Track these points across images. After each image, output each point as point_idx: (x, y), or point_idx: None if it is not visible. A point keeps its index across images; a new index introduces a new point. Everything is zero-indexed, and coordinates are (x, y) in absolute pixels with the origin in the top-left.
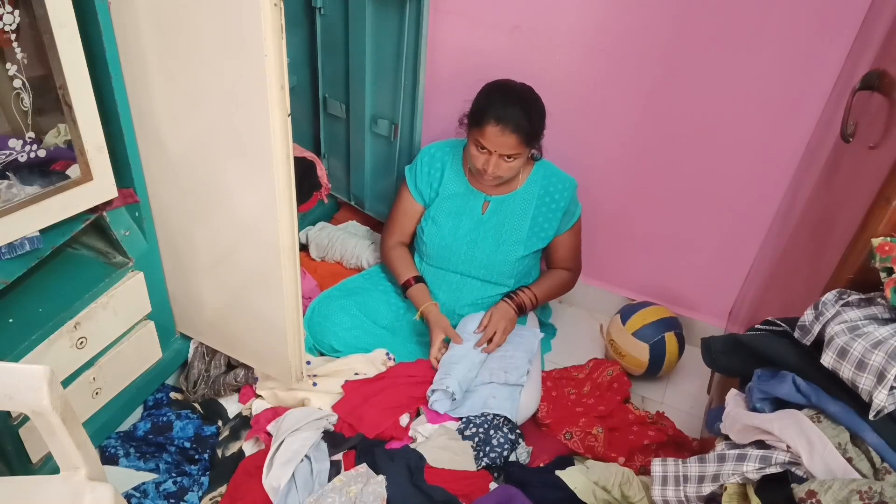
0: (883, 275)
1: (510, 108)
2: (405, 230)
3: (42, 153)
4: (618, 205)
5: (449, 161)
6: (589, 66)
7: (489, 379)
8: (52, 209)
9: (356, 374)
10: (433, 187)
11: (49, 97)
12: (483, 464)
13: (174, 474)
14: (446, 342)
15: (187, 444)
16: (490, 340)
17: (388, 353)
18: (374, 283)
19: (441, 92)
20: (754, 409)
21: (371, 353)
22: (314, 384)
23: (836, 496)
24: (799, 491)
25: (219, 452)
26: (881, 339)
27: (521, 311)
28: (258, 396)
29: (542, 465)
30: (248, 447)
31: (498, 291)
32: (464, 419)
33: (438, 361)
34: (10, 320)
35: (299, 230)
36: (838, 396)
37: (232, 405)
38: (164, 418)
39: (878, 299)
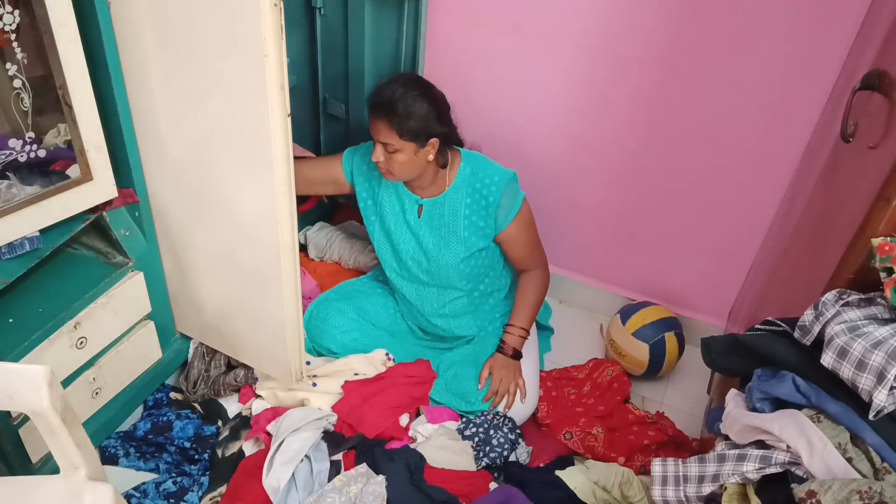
0: (883, 275)
1: (387, 95)
2: (311, 171)
3: (42, 153)
4: (618, 205)
5: None
6: (589, 66)
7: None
8: (52, 209)
9: (356, 374)
10: (370, 180)
11: (49, 97)
12: (483, 464)
13: (174, 474)
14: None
15: (187, 444)
16: (496, 393)
17: (387, 354)
18: (372, 287)
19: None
20: (754, 409)
21: (371, 354)
22: (314, 384)
23: (836, 496)
24: (799, 491)
25: (219, 452)
26: (881, 339)
27: (519, 354)
28: (258, 396)
29: (542, 465)
30: (248, 447)
31: (457, 296)
32: (464, 419)
33: None
34: (10, 320)
35: (299, 230)
36: (838, 396)
37: (232, 405)
38: (164, 418)
39: (878, 299)
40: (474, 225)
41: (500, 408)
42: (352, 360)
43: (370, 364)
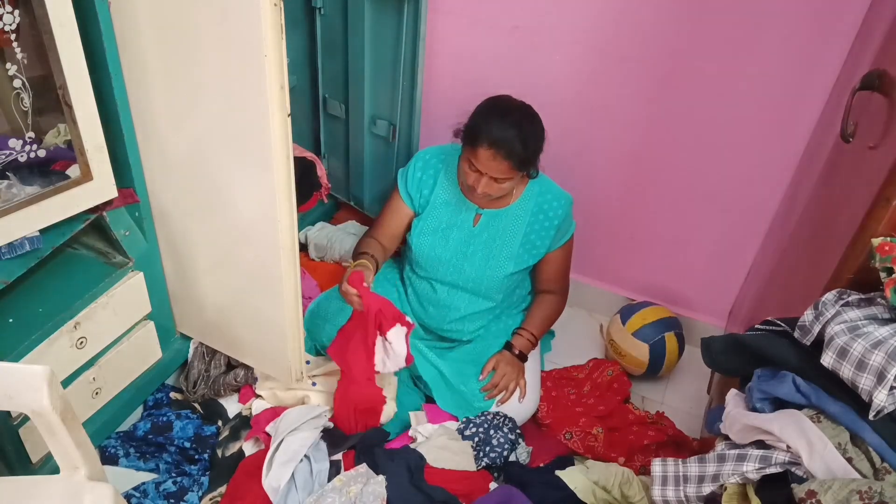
0: (883, 275)
1: (506, 132)
2: (388, 231)
3: (42, 153)
4: (618, 205)
5: (442, 169)
6: (589, 67)
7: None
8: (52, 209)
9: None
10: (424, 194)
11: (49, 97)
12: (483, 464)
13: (174, 474)
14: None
15: (187, 444)
16: (493, 387)
17: None
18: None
19: (440, 93)
20: (754, 409)
21: None
22: (313, 384)
23: (836, 496)
24: (799, 491)
25: (219, 452)
26: (881, 339)
27: (524, 357)
28: (258, 396)
29: (542, 465)
30: (248, 447)
31: (486, 306)
32: (464, 419)
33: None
34: (10, 320)
35: (299, 230)
36: (838, 396)
37: (232, 405)
38: (164, 418)
39: (878, 299)
40: (531, 242)
41: (497, 402)
42: None
43: None
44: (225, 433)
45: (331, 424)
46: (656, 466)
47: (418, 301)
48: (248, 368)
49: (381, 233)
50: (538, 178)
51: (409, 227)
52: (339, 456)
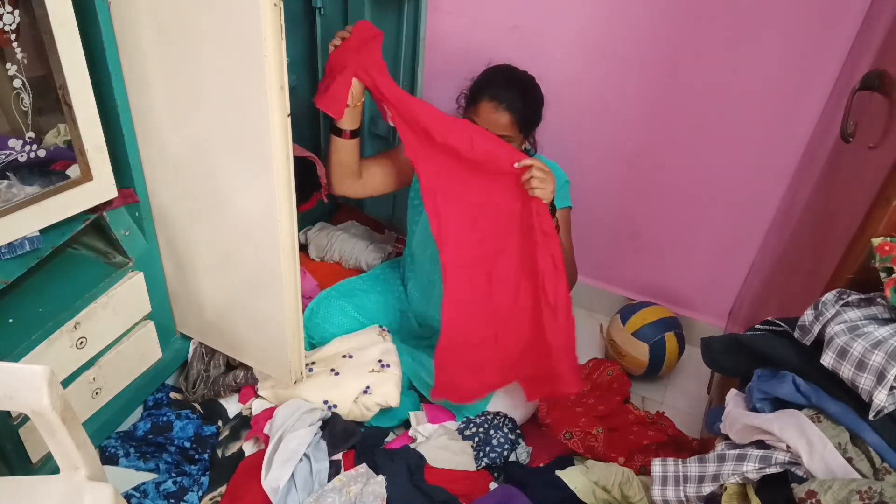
0: (883, 275)
1: (507, 88)
2: (379, 159)
3: (42, 153)
4: (618, 205)
5: None
6: (589, 67)
7: None
8: (52, 209)
9: (343, 356)
10: None
11: (49, 97)
12: (483, 464)
13: (174, 474)
14: None
15: (187, 444)
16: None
17: (381, 327)
18: (372, 285)
19: (440, 93)
20: (754, 409)
21: (363, 331)
22: (310, 370)
23: (836, 496)
24: (799, 491)
25: (219, 452)
26: (881, 339)
27: (553, 208)
28: (258, 396)
29: (542, 465)
30: (248, 447)
31: None
32: (464, 419)
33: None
34: (10, 320)
35: (299, 230)
36: (838, 396)
37: (232, 405)
38: (164, 418)
39: (878, 299)
40: None
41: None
42: (343, 341)
43: (364, 338)
44: (225, 433)
45: (328, 414)
46: (656, 466)
47: (421, 295)
48: (247, 369)
49: (373, 160)
50: (535, 157)
51: (408, 177)
52: (339, 456)
